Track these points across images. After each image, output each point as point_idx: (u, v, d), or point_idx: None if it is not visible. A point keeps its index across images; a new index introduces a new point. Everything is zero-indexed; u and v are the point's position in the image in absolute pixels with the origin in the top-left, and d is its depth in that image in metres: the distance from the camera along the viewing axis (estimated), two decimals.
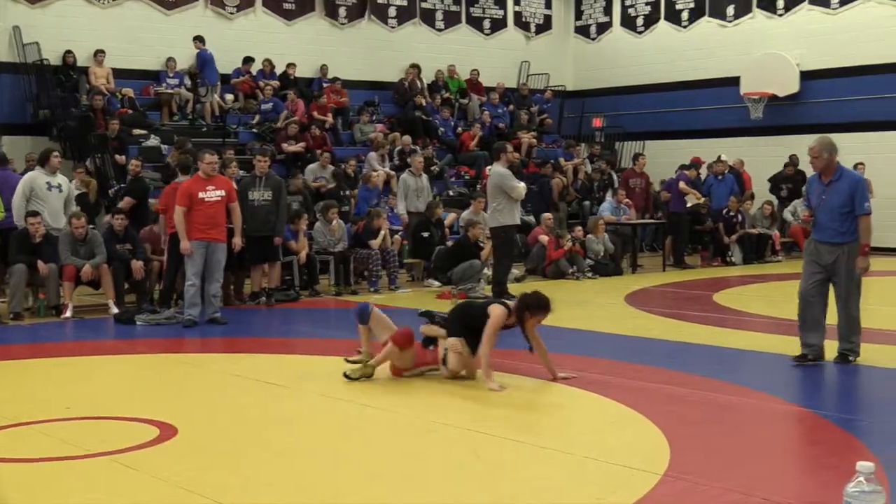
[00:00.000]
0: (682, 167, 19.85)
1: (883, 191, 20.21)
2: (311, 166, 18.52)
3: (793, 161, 21.56)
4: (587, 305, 13.72)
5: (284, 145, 19.46)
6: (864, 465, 3.29)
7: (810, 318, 8.76)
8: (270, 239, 13.58)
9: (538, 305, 8.13)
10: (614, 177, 21.23)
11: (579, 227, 17.88)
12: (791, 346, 9.81)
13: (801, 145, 22.00)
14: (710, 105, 24.10)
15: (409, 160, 18.20)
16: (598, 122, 25.96)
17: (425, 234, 16.13)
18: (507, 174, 13.36)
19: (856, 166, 20.43)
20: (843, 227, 8.64)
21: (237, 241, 12.51)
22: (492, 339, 7.99)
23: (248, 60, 21.33)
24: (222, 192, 11.99)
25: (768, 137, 23.00)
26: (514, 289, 14.40)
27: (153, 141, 18.57)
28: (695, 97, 24.43)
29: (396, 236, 16.33)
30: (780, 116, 22.63)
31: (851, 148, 21.05)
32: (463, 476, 5.63)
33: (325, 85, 22.18)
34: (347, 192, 17.62)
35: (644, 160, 20.52)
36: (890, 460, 5.62)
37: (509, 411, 7.39)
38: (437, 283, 15.47)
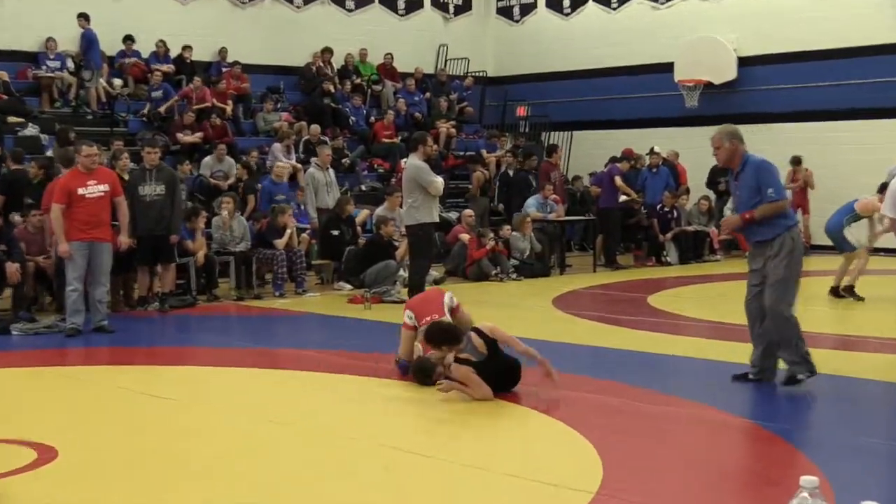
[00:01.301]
0: (614, 159, 20.01)
1: (825, 184, 20.63)
2: (207, 159, 18.30)
3: None
4: (512, 309, 13.74)
5: (180, 135, 19.19)
6: (807, 480, 3.30)
7: (752, 333, 8.48)
8: (165, 238, 13.38)
9: (440, 338, 8.16)
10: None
11: (507, 226, 17.94)
12: (731, 351, 9.94)
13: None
14: (642, 93, 24.36)
15: (316, 152, 18.06)
16: (522, 111, 26.09)
17: (335, 233, 16.03)
18: (425, 167, 13.31)
19: (796, 160, 20.84)
20: (762, 223, 8.21)
21: (123, 240, 12.30)
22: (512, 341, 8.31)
23: (129, 39, 20.97)
24: (105, 187, 11.74)
25: (705, 128, 23.16)
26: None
27: (31, 130, 18.17)
28: (626, 84, 24.67)
29: (304, 235, 16.20)
30: (716, 105, 22.95)
31: (791, 139, 21.49)
32: (369, 492, 5.57)
33: (224, 69, 21.94)
34: (258, 186, 17.47)
35: (560, 153, 20.64)
36: (834, 474, 5.68)
37: (427, 424, 7.34)
38: (348, 287, 15.39)
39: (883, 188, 12.60)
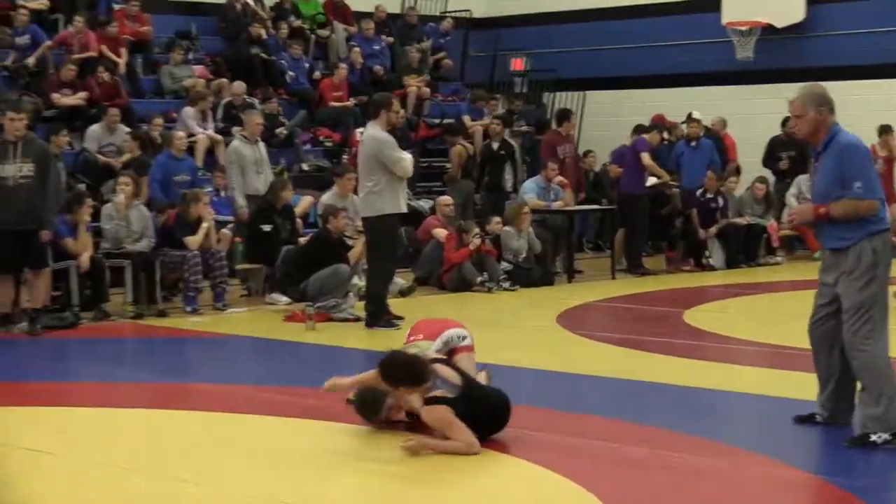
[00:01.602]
0: (640, 129, 20.05)
1: None
2: (93, 129, 18.24)
3: None
4: (504, 329, 13.76)
5: (56, 96, 19.15)
6: None
7: (818, 366, 8.42)
8: (34, 234, 13.37)
9: (397, 373, 8.09)
10: (515, 146, 21.04)
11: (496, 218, 17.96)
12: (794, 385, 9.97)
13: None
14: (678, 40, 24.42)
15: (241, 119, 18.05)
16: (518, 65, 26.09)
17: (267, 228, 16.00)
18: (388, 140, 13.33)
19: (884, 130, 20.88)
20: (839, 223, 8.08)
21: None
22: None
23: None
24: None
25: (761, 86, 23.39)
26: (399, 306, 14.41)
27: None
28: (657, 28, 24.71)
29: (225, 231, 16.16)
30: (778, 56, 23.02)
31: (879, 102, 21.54)
32: None
33: (115, 7, 21.87)
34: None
35: (574, 120, 20.61)
36: None
37: (401, 485, 7.35)
38: (285, 300, 15.37)
39: None
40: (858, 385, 8.13)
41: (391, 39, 24.47)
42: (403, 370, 8.06)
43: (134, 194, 15.18)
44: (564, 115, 20.38)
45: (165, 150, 17.21)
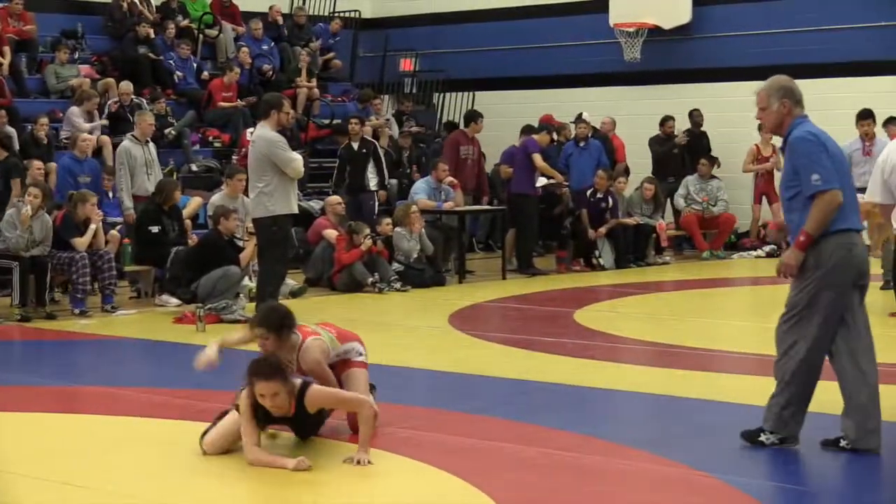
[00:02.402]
0: (529, 130, 20.15)
1: None
2: None
3: (695, 118, 22.22)
4: (395, 329, 13.80)
5: None
6: None
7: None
8: None
9: (276, 321, 8.28)
10: (377, 145, 20.29)
11: (387, 219, 17.99)
12: (684, 383, 10.13)
13: (695, 97, 22.94)
14: (566, 41, 24.56)
15: (130, 119, 17.92)
16: (408, 65, 26.13)
17: (155, 230, 15.92)
18: (278, 140, 13.32)
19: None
20: (799, 220, 7.81)
21: None
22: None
23: None
24: None
25: (649, 87, 23.64)
26: (290, 307, 14.34)
27: None
28: (546, 29, 24.83)
29: (113, 232, 16.04)
30: (665, 57, 23.26)
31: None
32: None
33: None
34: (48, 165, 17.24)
35: (482, 123, 20.61)
36: None
37: (292, 488, 7.37)
38: (174, 301, 15.29)
39: None
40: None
41: (280, 41, 24.37)
42: (280, 316, 8.28)
43: (40, 206, 14.89)
44: (472, 117, 20.35)
45: (68, 152, 17.01)
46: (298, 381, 7.84)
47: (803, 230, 7.65)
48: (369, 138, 20.00)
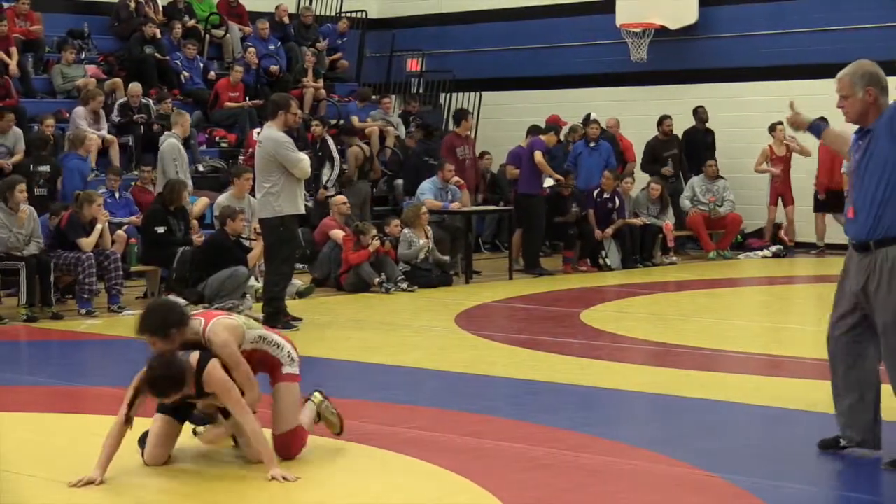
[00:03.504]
0: (536, 130, 20.18)
1: (811, 163, 21.04)
2: None
3: (700, 115, 22.18)
4: (402, 330, 13.82)
5: None
6: None
7: (841, 379, 7.59)
8: None
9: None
10: (331, 144, 20.58)
11: (395, 220, 18.02)
12: (692, 383, 10.15)
13: (702, 97, 22.94)
14: (573, 41, 24.57)
15: (173, 119, 18.07)
16: (414, 65, 26.14)
17: (162, 230, 15.94)
18: (285, 141, 13.33)
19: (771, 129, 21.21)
20: (880, 210, 7.27)
21: None
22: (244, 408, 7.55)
23: None
24: None
25: (655, 87, 23.64)
26: (297, 307, 14.43)
27: None
28: (553, 30, 24.85)
29: (120, 232, 16.07)
30: (671, 58, 23.27)
31: (773, 103, 21.87)
32: None
33: (5, 5, 21.61)
34: (46, 168, 17.25)
35: (471, 120, 20.69)
36: None
37: (290, 489, 7.39)
38: (181, 302, 15.29)
39: None
40: None
41: (287, 41, 24.38)
42: (159, 318, 7.61)
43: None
44: (462, 115, 20.47)
45: (72, 152, 17.04)
46: (195, 357, 7.44)
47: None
48: (326, 137, 20.19)
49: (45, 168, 17.01)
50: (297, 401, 7.90)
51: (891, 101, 7.51)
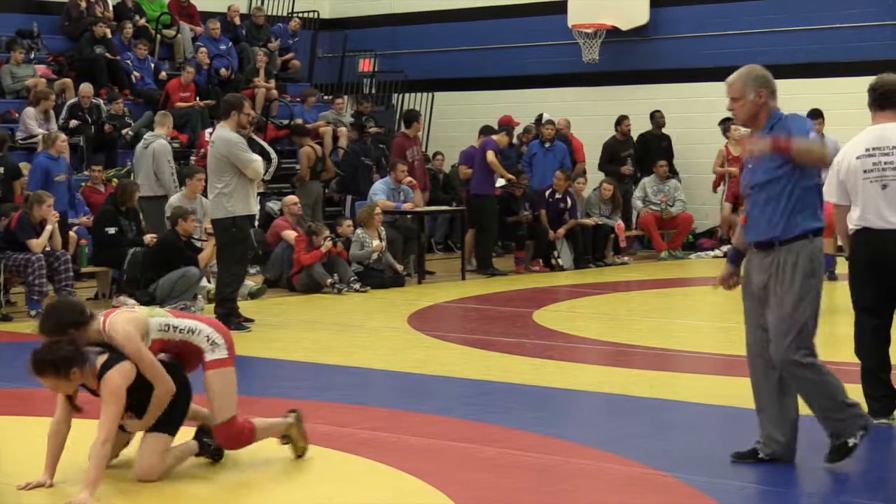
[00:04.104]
0: (488, 130, 20.20)
1: None
2: None
3: (657, 119, 22.24)
4: (355, 330, 13.81)
5: None
6: None
7: (761, 391, 7.61)
8: None
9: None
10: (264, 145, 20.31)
11: (348, 220, 18.00)
12: (642, 382, 10.17)
13: (654, 97, 23.03)
14: (525, 42, 24.62)
15: (157, 120, 17.99)
16: (366, 65, 26.14)
17: (112, 231, 15.88)
18: (237, 141, 13.31)
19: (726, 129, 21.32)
20: (779, 210, 7.33)
21: None
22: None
23: None
24: None
25: (607, 88, 23.73)
26: (249, 308, 14.39)
27: None
28: (504, 30, 24.90)
29: (71, 233, 15.98)
30: (623, 58, 23.37)
31: (716, 103, 21.95)
32: None
33: None
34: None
35: (422, 122, 20.70)
36: None
37: (241, 491, 7.36)
38: (132, 303, 15.23)
39: None
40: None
41: (238, 41, 24.35)
42: (55, 319, 7.41)
43: None
44: (412, 117, 20.50)
45: (43, 151, 16.94)
46: (101, 359, 7.20)
47: (789, 141, 7.18)
48: (252, 135, 20.21)
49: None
50: (226, 388, 7.51)
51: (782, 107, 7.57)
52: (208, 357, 7.50)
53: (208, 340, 7.50)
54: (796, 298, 7.33)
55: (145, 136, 17.65)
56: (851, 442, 7.41)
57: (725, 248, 21.35)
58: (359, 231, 17.62)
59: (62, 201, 16.20)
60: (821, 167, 7.49)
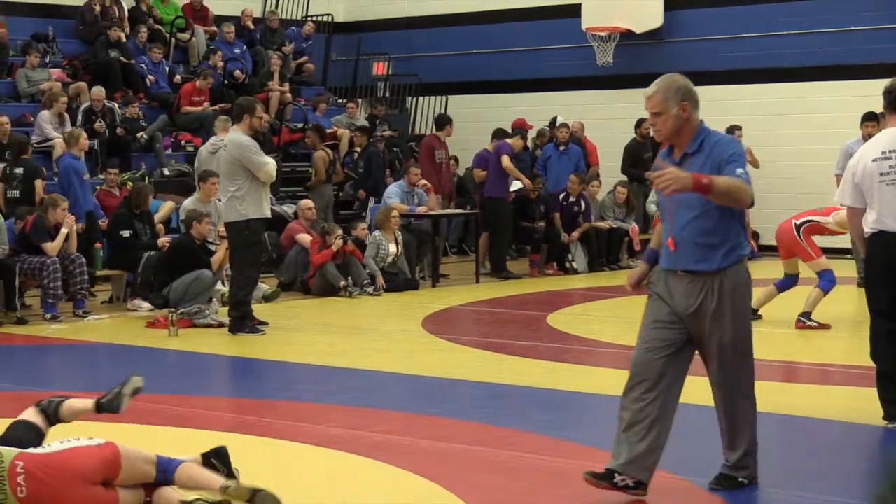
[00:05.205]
0: (502, 133, 20.21)
1: (777, 168, 21.13)
2: None
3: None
4: (369, 334, 13.81)
5: None
6: None
7: (635, 414, 7.30)
8: None
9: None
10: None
11: (362, 224, 18.01)
12: None
13: None
14: (539, 45, 24.63)
15: (217, 125, 18.12)
16: (380, 69, 26.15)
17: (127, 234, 15.90)
18: (250, 144, 13.33)
19: (730, 130, 21.31)
20: (710, 240, 6.95)
21: None
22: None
23: None
24: None
25: (621, 91, 23.68)
26: (263, 311, 14.39)
27: None
28: (519, 33, 24.91)
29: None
30: (637, 61, 23.34)
31: (733, 106, 21.96)
32: None
33: None
34: (20, 170, 17.20)
35: (452, 126, 20.65)
36: None
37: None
38: (147, 306, 15.27)
39: None
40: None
41: (253, 45, 24.36)
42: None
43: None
44: (445, 121, 20.49)
45: (67, 152, 16.94)
46: None
47: (711, 178, 6.55)
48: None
49: (20, 170, 16.89)
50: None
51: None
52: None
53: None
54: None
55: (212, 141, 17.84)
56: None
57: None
58: (376, 233, 17.62)
59: (90, 200, 16.33)
60: (740, 208, 6.95)
